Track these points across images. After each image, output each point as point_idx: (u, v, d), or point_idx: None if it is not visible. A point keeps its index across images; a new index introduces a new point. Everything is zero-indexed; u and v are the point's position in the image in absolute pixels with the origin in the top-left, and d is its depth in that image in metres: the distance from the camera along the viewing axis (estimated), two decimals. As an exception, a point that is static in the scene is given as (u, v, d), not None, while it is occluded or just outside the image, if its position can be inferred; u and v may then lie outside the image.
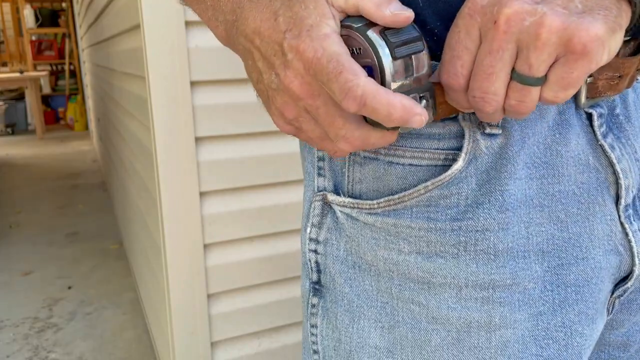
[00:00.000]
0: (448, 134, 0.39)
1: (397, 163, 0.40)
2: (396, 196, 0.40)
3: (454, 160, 0.39)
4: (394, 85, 0.33)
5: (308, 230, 0.46)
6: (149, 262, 1.67)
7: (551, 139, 0.40)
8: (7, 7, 7.06)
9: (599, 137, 0.41)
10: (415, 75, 0.34)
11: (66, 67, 6.97)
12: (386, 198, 0.40)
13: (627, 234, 0.43)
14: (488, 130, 0.39)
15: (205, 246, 1.28)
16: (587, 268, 0.42)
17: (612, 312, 0.47)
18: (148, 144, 1.32)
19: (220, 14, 0.38)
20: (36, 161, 5.01)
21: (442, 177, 0.39)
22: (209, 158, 1.24)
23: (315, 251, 0.46)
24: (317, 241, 0.45)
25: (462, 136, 0.39)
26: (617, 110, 0.44)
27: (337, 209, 0.43)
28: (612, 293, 0.46)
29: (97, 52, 2.95)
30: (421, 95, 0.34)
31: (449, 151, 0.39)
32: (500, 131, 0.39)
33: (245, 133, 1.26)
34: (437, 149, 0.39)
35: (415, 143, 0.39)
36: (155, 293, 1.61)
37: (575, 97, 0.40)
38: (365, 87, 0.31)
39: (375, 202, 0.41)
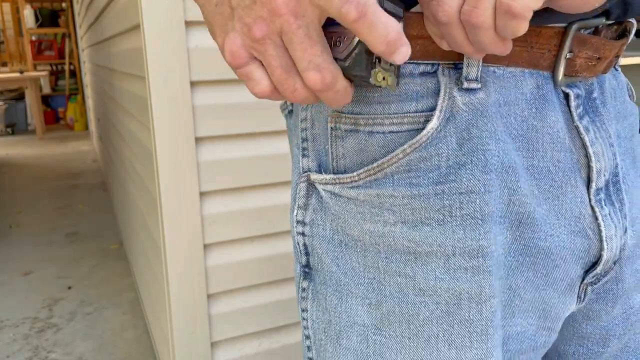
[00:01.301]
0: (426, 91, 0.38)
1: (377, 132, 0.39)
2: (375, 164, 0.39)
3: (430, 120, 0.38)
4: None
5: (295, 212, 0.45)
6: (149, 262, 1.67)
7: (528, 112, 0.39)
8: (7, 7, 7.06)
9: (575, 118, 0.41)
10: (402, 12, 0.33)
11: (66, 67, 6.97)
12: (366, 168, 0.39)
13: (596, 218, 0.43)
14: (466, 85, 0.37)
15: (205, 246, 1.28)
16: (551, 245, 0.41)
17: (584, 299, 0.47)
18: (148, 144, 1.32)
19: None
20: (36, 161, 5.01)
21: (418, 137, 0.37)
22: (209, 158, 1.24)
23: (303, 233, 0.45)
24: (303, 223, 0.44)
25: (438, 93, 0.38)
26: (595, 94, 0.43)
27: (320, 187, 0.42)
28: (583, 279, 0.45)
29: (97, 52, 2.95)
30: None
31: (428, 112, 0.38)
32: (479, 85, 0.38)
33: (245, 133, 1.26)
34: (416, 111, 0.38)
35: (394, 108, 0.38)
36: (155, 293, 1.61)
37: (553, 73, 0.40)
38: (368, 0, 0.30)
39: (355, 174, 0.40)
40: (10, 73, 6.40)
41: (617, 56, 0.43)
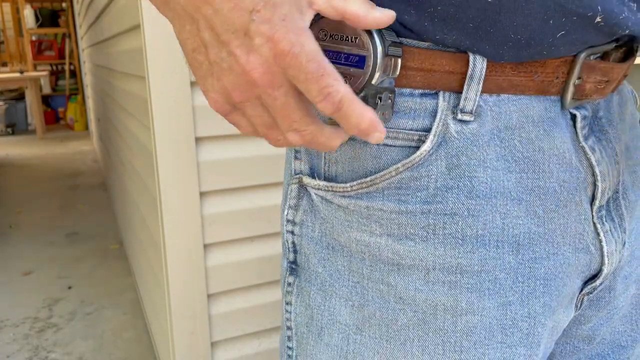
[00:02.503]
0: (423, 112, 0.39)
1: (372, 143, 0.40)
2: (368, 179, 0.40)
3: (424, 142, 0.39)
4: (376, 78, 0.35)
5: (285, 212, 0.47)
6: (149, 262, 1.67)
7: (535, 135, 0.40)
8: (7, 7, 7.06)
9: (581, 138, 0.42)
10: (390, 75, 0.37)
11: (66, 67, 6.97)
12: (359, 181, 0.41)
13: (598, 234, 0.45)
14: (460, 117, 0.39)
15: (205, 246, 1.28)
16: (556, 263, 0.43)
17: (580, 307, 0.49)
18: (148, 144, 1.32)
19: None
20: (36, 161, 5.01)
21: (412, 158, 0.39)
22: (209, 158, 1.24)
23: (292, 232, 0.47)
24: (293, 222, 0.46)
25: (435, 116, 0.39)
26: (600, 113, 0.44)
27: (312, 191, 0.44)
28: (581, 290, 0.47)
29: (97, 52, 2.95)
30: (390, 94, 0.36)
31: (422, 132, 0.39)
32: (472, 118, 0.39)
33: (245, 133, 1.26)
34: (411, 129, 0.39)
35: (391, 123, 0.40)
36: (155, 293, 1.61)
37: (562, 98, 0.41)
38: (344, 94, 0.32)
39: (348, 185, 0.41)
40: (10, 73, 6.40)
41: (625, 75, 0.44)
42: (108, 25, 2.07)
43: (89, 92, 4.86)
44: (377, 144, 0.40)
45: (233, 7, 0.31)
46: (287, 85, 0.33)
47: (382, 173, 0.40)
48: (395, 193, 0.40)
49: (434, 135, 0.39)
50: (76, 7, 4.89)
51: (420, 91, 0.39)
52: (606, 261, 0.45)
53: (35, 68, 6.99)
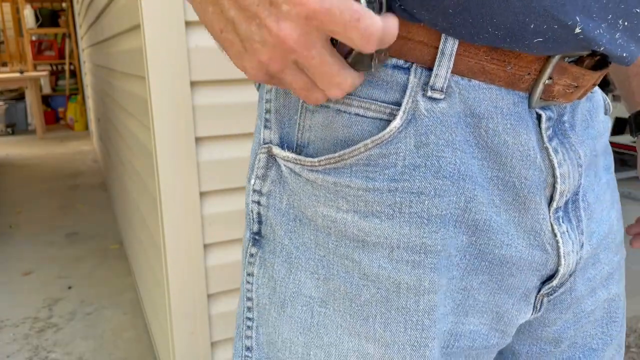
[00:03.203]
0: (395, 85, 0.39)
1: (344, 111, 0.40)
2: (336, 154, 0.40)
3: (395, 117, 0.39)
4: None
5: (252, 181, 0.46)
6: (149, 262, 1.67)
7: (502, 127, 0.41)
8: (7, 7, 7.06)
9: (545, 139, 0.42)
10: None
11: (66, 67, 6.97)
12: (326, 156, 0.41)
13: (555, 235, 0.45)
14: (430, 94, 0.39)
15: (205, 246, 1.28)
16: (507, 254, 0.44)
17: (540, 309, 0.49)
18: (148, 144, 1.32)
19: None
20: (36, 161, 5.01)
21: (381, 135, 0.39)
22: (209, 158, 1.24)
23: (258, 202, 0.46)
24: (260, 193, 0.46)
25: (405, 91, 0.39)
26: (565, 118, 0.45)
27: (281, 162, 0.44)
28: (540, 290, 0.48)
29: (97, 52, 2.95)
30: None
31: (393, 106, 0.39)
32: (442, 96, 0.39)
33: (245, 133, 1.26)
34: (383, 101, 0.39)
35: (364, 92, 0.40)
36: (155, 293, 1.61)
37: (529, 96, 0.41)
38: (382, 26, 0.31)
39: (316, 160, 0.41)
40: (10, 73, 6.40)
41: (594, 85, 0.44)
42: (108, 25, 2.07)
43: (89, 92, 4.86)
44: (349, 113, 0.40)
45: None
46: (321, 42, 0.33)
47: (350, 149, 0.40)
48: (363, 170, 0.40)
49: (404, 112, 0.39)
50: (76, 7, 4.89)
51: (394, 63, 0.39)
52: (562, 262, 0.46)
53: (35, 68, 6.99)
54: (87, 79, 4.73)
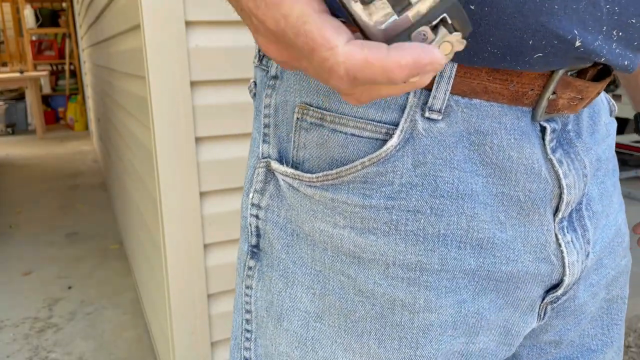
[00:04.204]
0: (393, 105, 0.39)
1: (340, 131, 0.40)
2: (334, 171, 0.40)
3: (392, 137, 0.39)
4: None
5: (250, 195, 0.46)
6: (149, 262, 1.67)
7: (506, 142, 0.40)
8: (7, 7, 7.05)
9: (549, 151, 0.42)
10: None
11: (66, 67, 6.97)
12: (324, 173, 0.40)
13: (559, 245, 0.45)
14: (427, 115, 0.39)
15: (205, 246, 1.28)
16: (514, 270, 0.43)
17: (544, 317, 0.49)
18: (148, 144, 1.32)
19: None
20: (36, 161, 5.01)
21: (378, 153, 0.39)
22: (209, 158, 1.24)
23: (257, 216, 0.46)
24: (258, 206, 0.46)
25: (404, 111, 0.39)
26: (569, 127, 0.44)
27: (280, 177, 0.44)
28: (543, 299, 0.47)
29: (97, 52, 2.95)
30: (439, 18, 0.28)
31: (389, 126, 0.39)
32: (440, 117, 0.39)
33: (245, 133, 1.26)
34: (380, 121, 0.39)
35: (360, 112, 0.39)
36: (155, 293, 1.61)
37: (534, 109, 0.41)
38: (347, 61, 0.27)
39: (314, 175, 0.41)
40: (10, 73, 6.40)
41: (599, 94, 0.44)
42: (108, 25, 2.07)
43: (89, 92, 4.86)
44: (345, 133, 0.40)
45: None
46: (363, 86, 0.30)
47: (347, 166, 0.40)
48: (361, 187, 0.40)
49: (401, 131, 0.39)
50: (76, 7, 4.89)
51: None
52: (567, 272, 0.45)
53: (35, 68, 6.99)
54: (87, 79, 4.73)
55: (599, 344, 0.54)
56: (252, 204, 0.46)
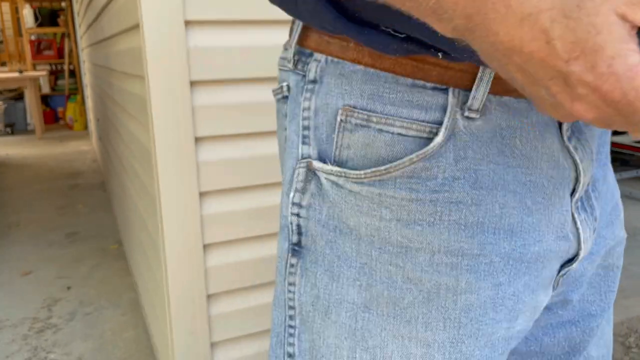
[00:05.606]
0: (435, 105, 0.42)
1: (386, 131, 0.43)
2: (382, 167, 0.43)
3: (436, 134, 0.42)
4: None
5: (291, 195, 0.48)
6: (148, 262, 1.67)
7: (533, 135, 0.44)
8: (6, 7, 7.05)
9: (565, 140, 0.46)
10: None
11: (65, 67, 6.97)
12: (373, 169, 0.43)
13: (575, 223, 0.49)
14: (467, 114, 0.42)
15: (205, 246, 1.28)
16: (540, 249, 0.47)
17: (557, 289, 0.53)
18: (147, 144, 1.31)
19: (445, 13, 0.32)
20: (35, 161, 5.01)
21: (425, 149, 0.42)
22: (209, 158, 1.23)
23: (298, 214, 0.48)
24: (300, 205, 0.48)
25: (445, 111, 0.42)
26: None
27: (322, 176, 0.46)
28: (558, 273, 0.51)
29: (96, 52, 2.95)
30: None
31: (433, 125, 0.42)
32: (478, 115, 0.42)
33: (245, 133, 1.25)
34: (424, 121, 0.42)
35: (405, 113, 0.42)
36: (154, 293, 1.61)
37: None
38: None
39: (362, 172, 0.44)
40: (9, 73, 6.39)
41: None
42: (107, 25, 2.07)
43: (88, 91, 4.85)
44: (392, 133, 0.43)
45: (546, 56, 0.29)
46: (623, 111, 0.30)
47: (396, 163, 0.43)
48: (407, 182, 0.43)
49: (445, 129, 0.42)
50: (75, 6, 4.89)
51: (432, 85, 0.42)
52: (582, 247, 0.50)
53: (34, 68, 6.98)
54: (87, 79, 4.73)
55: (597, 309, 0.58)
56: (293, 203, 0.48)
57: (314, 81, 0.46)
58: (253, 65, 1.22)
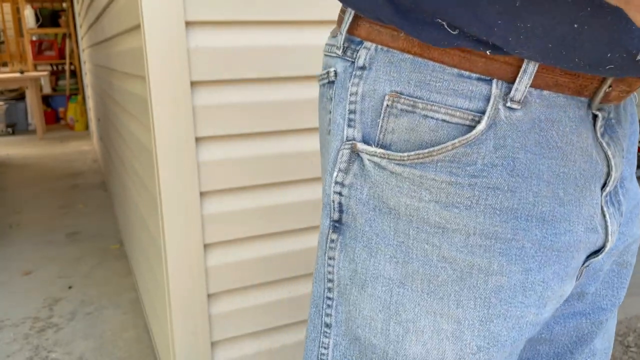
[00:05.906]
0: (479, 95, 0.44)
1: (431, 117, 0.45)
2: (426, 150, 0.45)
3: (479, 122, 0.44)
4: None
5: (335, 174, 0.51)
6: (149, 262, 1.67)
7: (569, 129, 0.46)
8: (7, 7, 7.06)
9: (599, 135, 0.48)
10: None
11: (66, 67, 6.97)
12: (416, 152, 0.45)
13: (605, 216, 0.51)
14: (509, 104, 0.44)
15: (205, 246, 1.28)
16: (570, 239, 0.49)
17: (579, 279, 0.55)
18: (148, 144, 1.32)
19: None
20: (36, 161, 5.01)
21: (467, 136, 0.44)
22: (209, 158, 1.24)
23: (340, 193, 0.51)
24: (342, 184, 0.50)
25: (488, 101, 0.44)
26: (611, 115, 0.50)
27: (365, 157, 0.48)
28: (583, 264, 0.53)
29: (97, 52, 2.95)
30: None
31: (475, 113, 0.44)
32: (519, 107, 0.44)
33: (245, 133, 1.26)
34: (467, 109, 0.44)
35: (451, 101, 0.45)
36: (155, 293, 1.61)
37: (591, 99, 0.47)
38: None
39: (405, 154, 0.46)
40: (10, 73, 6.40)
41: None
42: (108, 25, 2.07)
43: (89, 92, 4.86)
44: (436, 119, 0.45)
45: None
46: None
47: (439, 147, 0.45)
48: (448, 165, 0.45)
49: (488, 118, 0.44)
50: (76, 7, 4.90)
51: (477, 75, 0.44)
52: (610, 239, 0.52)
53: (35, 68, 6.99)
54: (88, 79, 4.73)
55: (608, 304, 0.61)
56: (336, 182, 0.51)
57: (362, 68, 0.49)
58: (253, 66, 1.23)
